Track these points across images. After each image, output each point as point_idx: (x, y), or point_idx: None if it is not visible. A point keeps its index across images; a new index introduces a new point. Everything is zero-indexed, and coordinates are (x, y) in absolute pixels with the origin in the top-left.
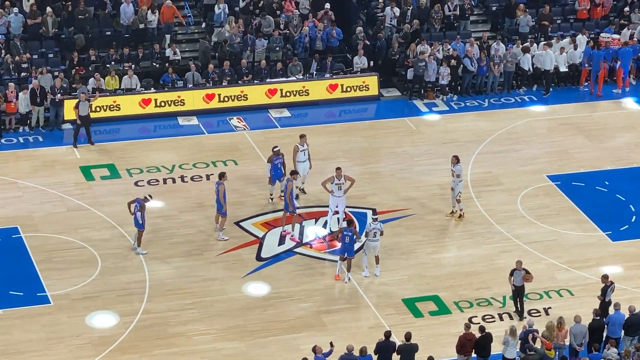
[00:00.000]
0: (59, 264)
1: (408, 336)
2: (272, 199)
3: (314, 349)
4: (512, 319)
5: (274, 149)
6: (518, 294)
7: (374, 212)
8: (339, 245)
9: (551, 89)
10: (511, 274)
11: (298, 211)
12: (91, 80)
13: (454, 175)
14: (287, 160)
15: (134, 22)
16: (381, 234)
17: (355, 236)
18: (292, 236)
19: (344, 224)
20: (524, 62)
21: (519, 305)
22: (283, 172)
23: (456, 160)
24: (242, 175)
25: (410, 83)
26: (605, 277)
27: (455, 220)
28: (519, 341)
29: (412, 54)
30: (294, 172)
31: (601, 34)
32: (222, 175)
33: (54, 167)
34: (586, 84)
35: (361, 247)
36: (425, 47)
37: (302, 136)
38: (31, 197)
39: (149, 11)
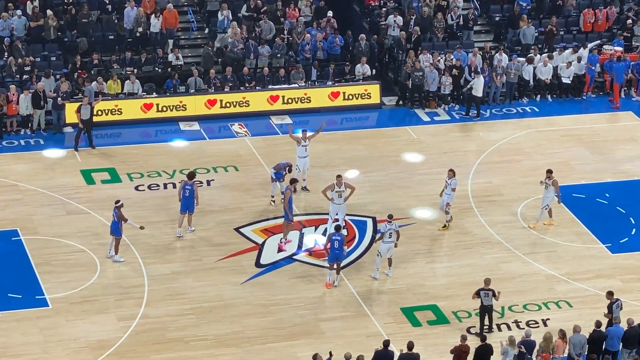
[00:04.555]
0: (58, 267)
1: (410, 345)
2: (273, 201)
3: (315, 357)
4: (510, 329)
5: (276, 166)
6: (486, 312)
7: (390, 216)
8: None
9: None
10: (477, 294)
11: (297, 219)
12: (94, 83)
13: (448, 188)
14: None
15: (136, 26)
16: (397, 235)
17: (343, 242)
18: (280, 242)
19: (332, 230)
20: (526, 73)
21: (487, 323)
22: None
23: (452, 174)
24: (243, 182)
25: (412, 92)
26: (610, 294)
27: (439, 230)
28: (519, 347)
29: (411, 62)
30: (294, 181)
31: (604, 47)
32: (192, 176)
33: (54, 170)
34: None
35: (364, 252)
36: (427, 56)
37: (304, 131)
38: (31, 200)
39: (152, 15)
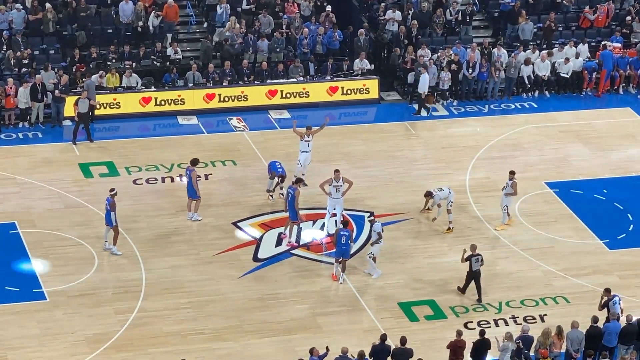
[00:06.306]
0: (56, 260)
1: (403, 341)
2: (271, 195)
3: (311, 351)
4: (508, 324)
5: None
6: (474, 278)
7: (372, 214)
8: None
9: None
10: (468, 260)
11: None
12: (94, 77)
13: (440, 199)
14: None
15: (133, 20)
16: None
17: (350, 238)
18: (289, 242)
19: (341, 225)
20: (524, 71)
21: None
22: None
23: (429, 195)
24: (241, 176)
25: (411, 87)
26: (607, 291)
27: (444, 232)
28: (517, 344)
29: (410, 57)
30: (299, 180)
31: (602, 43)
32: (193, 162)
33: (52, 164)
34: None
35: (359, 250)
36: (426, 51)
37: (308, 127)
38: (29, 193)
39: (153, 13)
